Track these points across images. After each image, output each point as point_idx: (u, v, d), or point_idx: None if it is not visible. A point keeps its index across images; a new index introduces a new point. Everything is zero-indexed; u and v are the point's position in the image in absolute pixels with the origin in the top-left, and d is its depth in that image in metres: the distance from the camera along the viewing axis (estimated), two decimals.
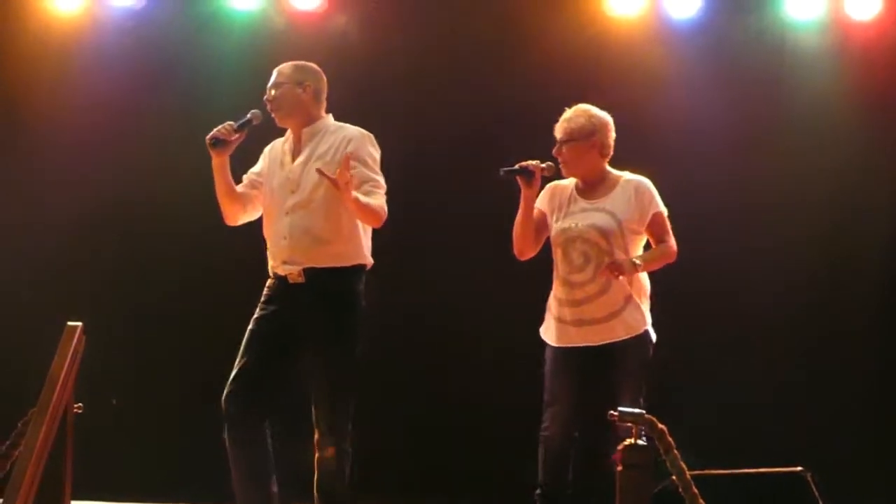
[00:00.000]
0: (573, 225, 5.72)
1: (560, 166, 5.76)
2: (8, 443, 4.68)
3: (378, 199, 5.39)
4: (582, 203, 5.76)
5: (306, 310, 5.41)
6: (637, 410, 4.82)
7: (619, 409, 4.89)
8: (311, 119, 5.53)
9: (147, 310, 7.45)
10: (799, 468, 5.33)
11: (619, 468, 4.76)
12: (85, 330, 4.56)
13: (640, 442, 4.72)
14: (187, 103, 6.53)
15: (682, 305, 6.95)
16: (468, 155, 7.31)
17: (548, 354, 5.77)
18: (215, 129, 5.42)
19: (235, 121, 5.45)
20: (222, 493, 5.66)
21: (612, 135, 5.81)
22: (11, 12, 7.58)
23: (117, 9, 7.55)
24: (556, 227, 5.77)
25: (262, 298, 5.55)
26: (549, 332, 5.79)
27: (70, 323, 4.58)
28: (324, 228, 5.40)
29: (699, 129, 7.40)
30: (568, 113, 5.79)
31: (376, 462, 6.71)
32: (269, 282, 5.55)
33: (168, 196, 7.41)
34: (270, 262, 5.53)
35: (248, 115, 5.46)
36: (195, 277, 7.43)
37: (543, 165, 5.69)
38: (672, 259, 5.75)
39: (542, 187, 5.81)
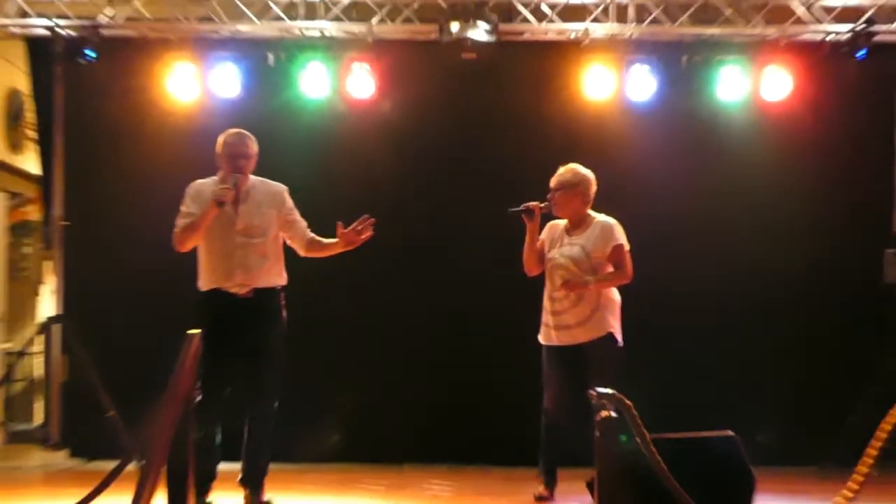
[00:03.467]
0: (556, 256, 6.07)
1: (552, 207, 6.07)
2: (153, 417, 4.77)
3: None
4: (566, 239, 6.08)
5: (251, 322, 5.54)
6: (610, 391, 4.87)
7: (597, 389, 4.97)
8: None
9: None
10: (730, 432, 5.35)
11: (597, 434, 4.84)
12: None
13: (612, 414, 4.80)
14: (273, 170, 6.48)
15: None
16: (480, 198, 7.48)
17: (543, 351, 6.11)
18: (221, 195, 5.48)
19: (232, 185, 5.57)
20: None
21: (594, 188, 6.10)
22: (143, 102, 7.79)
23: (221, 99, 7.80)
24: (547, 256, 6.11)
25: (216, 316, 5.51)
26: (541, 335, 6.14)
27: (190, 331, 4.69)
28: None
29: (658, 179, 7.59)
30: (561, 169, 6.12)
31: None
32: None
33: None
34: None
35: (234, 180, 5.57)
36: None
37: (542, 205, 6.05)
38: (625, 279, 5.98)
39: (542, 223, 6.11)
